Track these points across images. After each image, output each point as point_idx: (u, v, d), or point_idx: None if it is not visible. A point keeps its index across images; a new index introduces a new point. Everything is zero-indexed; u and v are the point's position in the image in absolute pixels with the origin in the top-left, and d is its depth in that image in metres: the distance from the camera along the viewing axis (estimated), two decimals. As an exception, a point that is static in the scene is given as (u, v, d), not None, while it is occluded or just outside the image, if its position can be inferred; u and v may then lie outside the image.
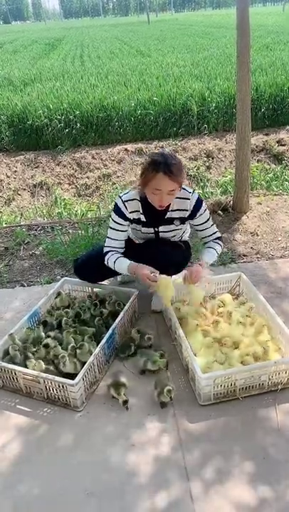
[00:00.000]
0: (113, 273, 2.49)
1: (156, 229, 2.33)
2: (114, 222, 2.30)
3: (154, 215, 2.27)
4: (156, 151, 2.16)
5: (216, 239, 2.40)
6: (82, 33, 29.71)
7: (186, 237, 2.53)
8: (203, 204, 2.30)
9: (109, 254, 2.33)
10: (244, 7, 3.23)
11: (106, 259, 2.33)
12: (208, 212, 2.34)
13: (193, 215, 2.28)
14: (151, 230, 2.34)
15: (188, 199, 2.24)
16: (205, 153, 7.35)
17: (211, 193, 5.11)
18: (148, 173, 2.06)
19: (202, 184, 6.18)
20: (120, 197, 2.27)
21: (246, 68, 3.32)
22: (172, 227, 2.32)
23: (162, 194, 2.08)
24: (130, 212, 2.26)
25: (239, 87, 3.41)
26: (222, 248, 2.44)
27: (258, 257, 3.16)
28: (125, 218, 2.28)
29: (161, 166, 2.01)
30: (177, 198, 2.22)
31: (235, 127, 3.62)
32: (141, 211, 2.26)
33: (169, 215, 2.28)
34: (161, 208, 2.18)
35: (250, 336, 2.17)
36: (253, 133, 7.13)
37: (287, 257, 3.15)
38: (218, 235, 2.42)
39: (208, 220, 2.35)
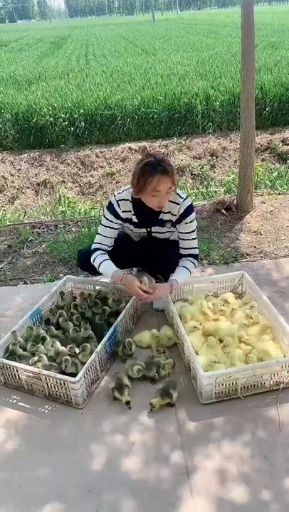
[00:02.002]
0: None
1: (148, 229, 2.34)
2: (106, 219, 2.30)
3: (146, 217, 2.27)
4: (145, 156, 2.12)
5: (190, 255, 2.33)
6: (88, 31, 29.77)
7: None
8: (192, 215, 2.24)
9: (97, 253, 2.32)
10: (249, 6, 3.21)
11: (92, 257, 2.32)
12: (194, 225, 2.29)
13: (178, 221, 2.25)
14: (144, 230, 2.35)
15: (178, 204, 2.21)
16: (209, 152, 7.34)
17: (215, 192, 5.10)
18: (146, 177, 2.04)
19: (206, 183, 6.18)
20: (114, 195, 2.28)
21: (251, 67, 3.31)
22: (165, 229, 2.32)
23: (161, 195, 2.08)
24: (123, 212, 2.27)
25: (244, 86, 3.39)
26: (195, 266, 2.37)
27: (261, 256, 3.15)
28: (117, 216, 2.28)
29: (158, 168, 2.02)
30: (169, 201, 2.21)
31: (239, 126, 3.61)
32: (132, 212, 2.27)
33: (161, 216, 2.27)
34: (159, 209, 2.18)
35: (252, 335, 2.16)
36: (258, 132, 7.13)
37: (290, 256, 3.14)
38: (195, 252, 2.34)
39: (191, 232, 2.29)
